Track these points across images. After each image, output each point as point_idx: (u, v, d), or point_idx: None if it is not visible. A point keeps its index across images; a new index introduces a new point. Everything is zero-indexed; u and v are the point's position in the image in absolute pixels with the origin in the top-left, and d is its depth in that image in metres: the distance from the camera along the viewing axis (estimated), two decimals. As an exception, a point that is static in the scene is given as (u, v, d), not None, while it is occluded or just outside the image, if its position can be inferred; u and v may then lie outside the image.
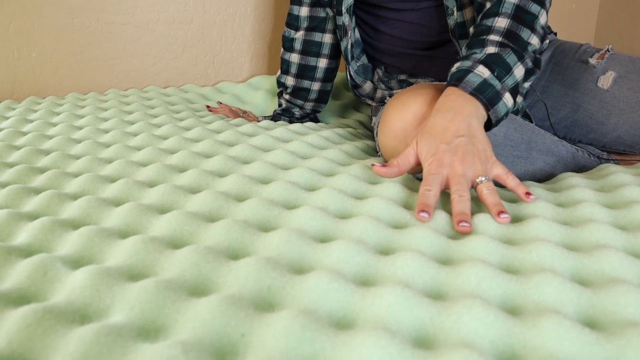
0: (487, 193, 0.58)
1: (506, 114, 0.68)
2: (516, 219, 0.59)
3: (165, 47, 1.26)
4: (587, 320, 0.42)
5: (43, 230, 0.53)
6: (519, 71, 0.69)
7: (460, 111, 0.63)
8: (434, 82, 0.85)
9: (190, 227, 0.54)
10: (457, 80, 0.66)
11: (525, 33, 0.70)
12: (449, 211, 0.59)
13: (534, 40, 0.71)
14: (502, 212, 0.56)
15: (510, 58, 0.68)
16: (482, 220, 0.56)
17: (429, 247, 0.51)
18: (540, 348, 0.38)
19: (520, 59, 0.69)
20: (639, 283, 0.46)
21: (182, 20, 1.26)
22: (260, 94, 1.22)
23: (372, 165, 0.63)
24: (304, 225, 0.55)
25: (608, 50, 0.97)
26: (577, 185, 0.68)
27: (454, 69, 0.69)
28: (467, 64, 0.67)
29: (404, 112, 0.72)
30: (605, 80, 0.93)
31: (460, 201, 0.57)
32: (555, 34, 1.09)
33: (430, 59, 0.97)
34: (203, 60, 1.31)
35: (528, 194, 0.61)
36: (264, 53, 1.38)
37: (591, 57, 0.96)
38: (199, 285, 0.45)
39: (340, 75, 1.33)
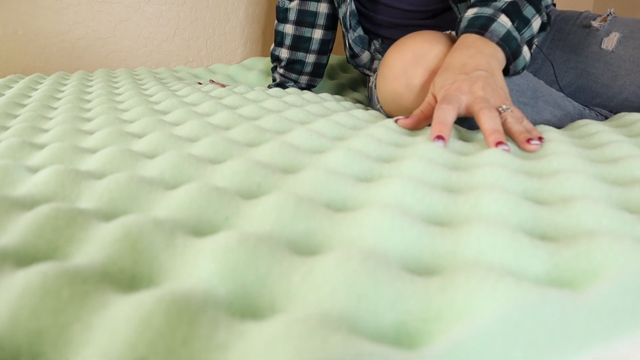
0: (512, 121, 0.53)
1: (523, 69, 0.65)
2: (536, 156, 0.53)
3: (157, 29, 1.23)
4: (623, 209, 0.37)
5: (10, 148, 0.48)
6: (536, 24, 0.65)
7: (480, 50, 0.60)
8: None
9: (173, 145, 0.49)
10: (481, 28, 0.62)
11: None
12: (461, 138, 0.54)
13: None
14: (530, 139, 0.51)
15: (528, 10, 0.65)
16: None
17: (439, 158, 0.46)
18: (575, 227, 0.33)
19: (538, 11, 0.66)
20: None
21: (174, 2, 1.23)
22: (253, 74, 1.18)
23: (396, 120, 0.59)
24: (299, 143, 0.50)
25: (610, 13, 0.94)
26: (591, 123, 0.63)
27: (470, 14, 0.65)
28: (487, 11, 0.63)
29: (404, 51, 0.68)
30: (610, 42, 0.89)
31: (491, 117, 0.50)
32: (554, 5, 1.07)
33: (428, 29, 0.94)
34: (195, 43, 1.27)
35: (540, 138, 0.53)
36: (257, 37, 1.34)
37: (594, 20, 0.93)
38: (178, 182, 0.40)
39: (335, 57, 1.29)
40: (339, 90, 1.17)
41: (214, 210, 0.33)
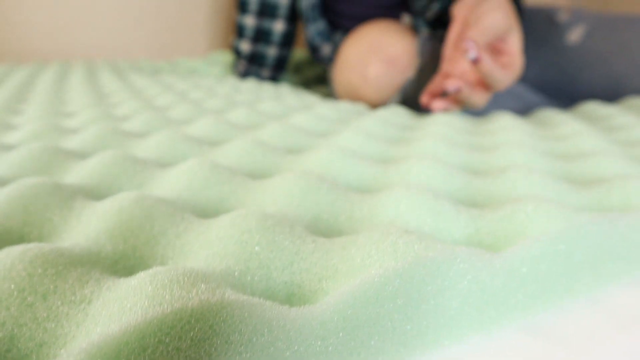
0: None
1: None
2: (484, 131, 0.52)
3: (118, 19, 1.20)
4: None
5: None
6: None
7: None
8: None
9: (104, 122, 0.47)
10: None
11: None
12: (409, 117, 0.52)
13: None
14: None
15: None
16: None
17: (378, 130, 0.44)
18: (506, 195, 0.31)
19: None
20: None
21: (139, -7, 1.20)
22: (217, 68, 1.16)
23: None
24: (237, 120, 0.48)
25: (573, 7, 0.94)
26: (550, 111, 0.62)
27: None
28: None
29: (360, 42, 0.67)
30: (575, 35, 0.89)
31: None
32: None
33: (392, 19, 0.93)
34: (159, 34, 1.25)
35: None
36: (222, 30, 1.32)
37: (558, 13, 0.93)
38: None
39: (301, 51, 1.28)
40: (305, 87, 1.15)
41: (127, 178, 0.32)
